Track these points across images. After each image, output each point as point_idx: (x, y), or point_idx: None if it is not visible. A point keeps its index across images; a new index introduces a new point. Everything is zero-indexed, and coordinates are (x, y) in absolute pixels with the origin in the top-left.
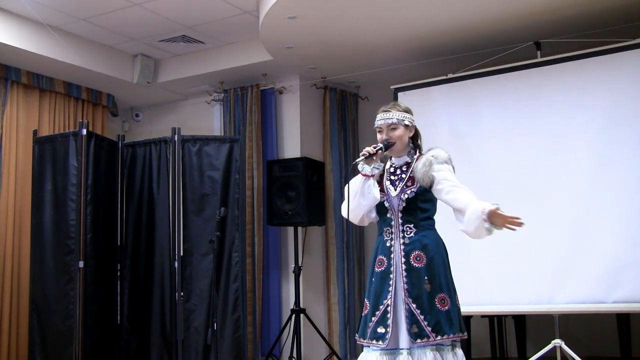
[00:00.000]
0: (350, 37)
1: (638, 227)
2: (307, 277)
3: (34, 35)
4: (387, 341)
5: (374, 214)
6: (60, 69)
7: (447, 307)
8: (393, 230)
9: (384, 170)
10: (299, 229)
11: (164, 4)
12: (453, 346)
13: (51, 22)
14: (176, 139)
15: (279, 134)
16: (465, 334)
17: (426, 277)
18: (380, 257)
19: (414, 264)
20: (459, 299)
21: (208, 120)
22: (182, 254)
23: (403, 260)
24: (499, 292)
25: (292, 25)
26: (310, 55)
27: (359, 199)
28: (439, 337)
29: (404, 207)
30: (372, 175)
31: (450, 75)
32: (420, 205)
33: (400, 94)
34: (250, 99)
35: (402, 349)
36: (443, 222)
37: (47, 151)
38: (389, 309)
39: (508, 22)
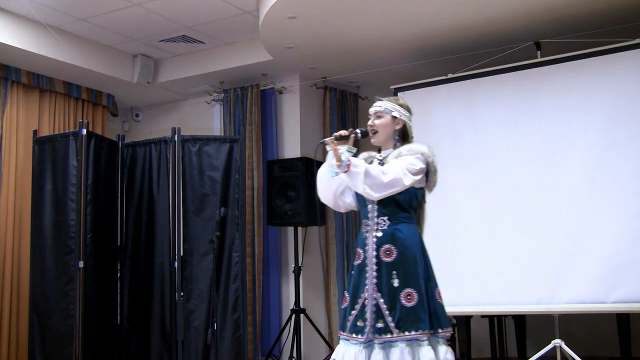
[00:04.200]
0: (350, 37)
1: (638, 227)
2: (307, 277)
3: (34, 35)
4: (365, 335)
5: (349, 199)
6: (60, 69)
7: (412, 303)
8: (369, 222)
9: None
10: (299, 229)
11: (164, 4)
12: (436, 342)
13: (51, 22)
14: (176, 139)
15: (279, 134)
16: (446, 330)
17: (395, 272)
18: (358, 249)
19: (383, 258)
20: (456, 295)
21: (208, 120)
22: (182, 254)
23: (374, 253)
24: (499, 292)
25: (292, 25)
26: (310, 55)
27: (326, 179)
28: (401, 334)
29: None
30: None
31: (450, 75)
32: (395, 197)
33: (400, 94)
34: (250, 99)
35: (376, 342)
36: (443, 224)
37: (47, 151)
38: (366, 302)
39: (508, 22)
